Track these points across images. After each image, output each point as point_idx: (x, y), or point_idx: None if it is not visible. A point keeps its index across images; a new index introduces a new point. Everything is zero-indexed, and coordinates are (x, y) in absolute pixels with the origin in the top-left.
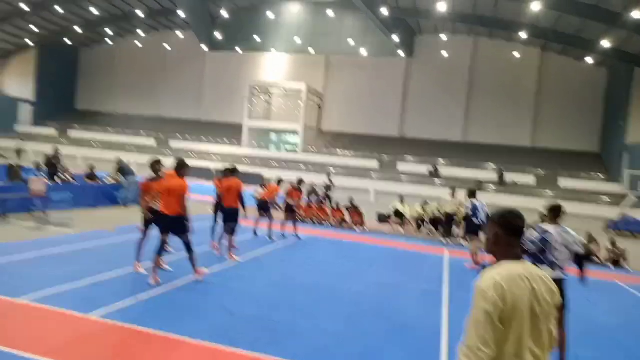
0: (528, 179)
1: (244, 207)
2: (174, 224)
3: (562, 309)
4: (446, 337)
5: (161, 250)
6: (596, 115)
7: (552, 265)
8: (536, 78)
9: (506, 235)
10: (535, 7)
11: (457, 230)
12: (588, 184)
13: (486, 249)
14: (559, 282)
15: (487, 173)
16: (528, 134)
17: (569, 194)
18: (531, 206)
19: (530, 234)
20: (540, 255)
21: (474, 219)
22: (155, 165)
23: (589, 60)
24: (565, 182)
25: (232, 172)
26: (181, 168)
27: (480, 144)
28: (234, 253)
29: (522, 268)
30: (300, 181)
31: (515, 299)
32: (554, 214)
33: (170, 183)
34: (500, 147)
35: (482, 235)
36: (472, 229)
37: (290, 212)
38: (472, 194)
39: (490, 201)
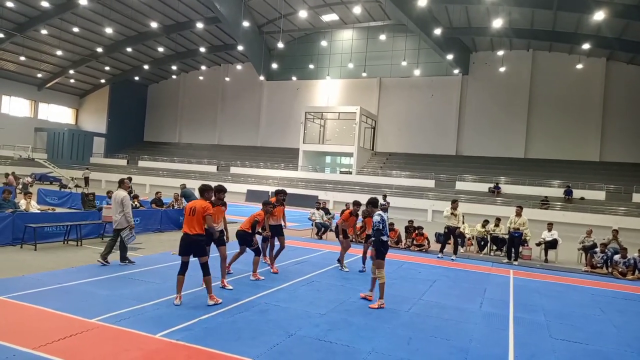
0: (597, 195)
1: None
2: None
3: None
4: None
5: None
6: None
7: None
8: (602, 89)
9: None
10: (599, 16)
11: (521, 249)
12: None
13: None
14: None
15: (552, 189)
16: (596, 148)
17: None
18: (601, 223)
19: None
20: None
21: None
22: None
23: None
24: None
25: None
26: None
27: (544, 159)
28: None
29: None
30: (357, 203)
31: None
32: None
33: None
34: (565, 162)
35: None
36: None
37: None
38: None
39: (557, 219)
